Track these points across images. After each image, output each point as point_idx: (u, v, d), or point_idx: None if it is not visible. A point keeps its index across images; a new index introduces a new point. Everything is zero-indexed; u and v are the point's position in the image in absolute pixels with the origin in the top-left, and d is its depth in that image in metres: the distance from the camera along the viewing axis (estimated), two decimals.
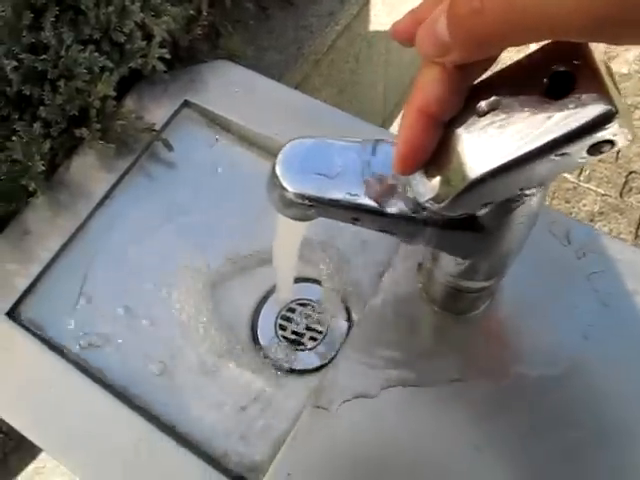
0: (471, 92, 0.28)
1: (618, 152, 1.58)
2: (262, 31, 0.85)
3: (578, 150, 0.26)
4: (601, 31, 0.21)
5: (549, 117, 0.25)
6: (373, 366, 0.50)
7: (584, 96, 0.25)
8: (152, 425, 0.51)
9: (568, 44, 0.25)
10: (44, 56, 0.60)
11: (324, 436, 0.48)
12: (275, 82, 0.68)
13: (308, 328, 0.56)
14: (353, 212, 0.35)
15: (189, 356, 0.55)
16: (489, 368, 0.50)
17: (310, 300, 0.57)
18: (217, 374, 0.55)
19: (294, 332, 0.56)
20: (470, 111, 0.28)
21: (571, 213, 1.53)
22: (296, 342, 0.56)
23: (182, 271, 0.59)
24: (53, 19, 0.61)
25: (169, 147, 0.64)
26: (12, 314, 0.58)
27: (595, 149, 0.26)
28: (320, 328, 0.56)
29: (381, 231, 0.36)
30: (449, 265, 0.42)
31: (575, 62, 0.25)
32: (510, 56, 0.28)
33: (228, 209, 0.62)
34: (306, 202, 0.34)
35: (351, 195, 0.34)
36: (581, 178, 1.57)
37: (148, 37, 0.65)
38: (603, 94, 0.24)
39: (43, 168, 0.58)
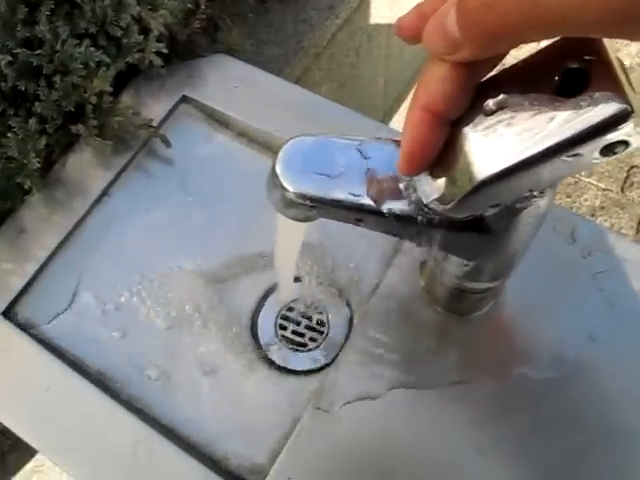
0: (478, 90, 0.27)
1: None
2: (261, 25, 0.84)
3: (591, 151, 0.25)
4: (618, 25, 0.20)
5: (561, 116, 0.24)
6: (374, 367, 0.49)
7: (598, 94, 0.24)
8: (151, 427, 0.50)
9: (581, 40, 0.24)
10: (39, 51, 0.59)
11: (325, 439, 0.48)
12: (275, 77, 0.67)
13: (309, 328, 0.55)
14: (356, 213, 0.34)
15: (188, 357, 0.55)
16: (492, 369, 0.49)
17: (312, 300, 0.56)
18: (216, 375, 0.54)
19: (294, 332, 0.55)
20: (477, 110, 0.27)
21: (572, 208, 1.52)
22: (297, 342, 0.55)
23: (181, 270, 0.58)
24: (48, 13, 0.60)
25: (167, 143, 0.63)
26: (8, 314, 0.57)
27: (608, 150, 0.25)
28: (321, 328, 0.55)
29: (385, 232, 0.35)
30: (453, 266, 0.41)
31: (588, 58, 0.24)
32: (517, 54, 0.27)
33: (227, 206, 0.61)
34: (307, 202, 0.33)
35: (354, 195, 0.33)
36: (582, 172, 1.56)
37: (145, 31, 0.64)
38: (618, 92, 0.23)
39: (39, 165, 0.57)
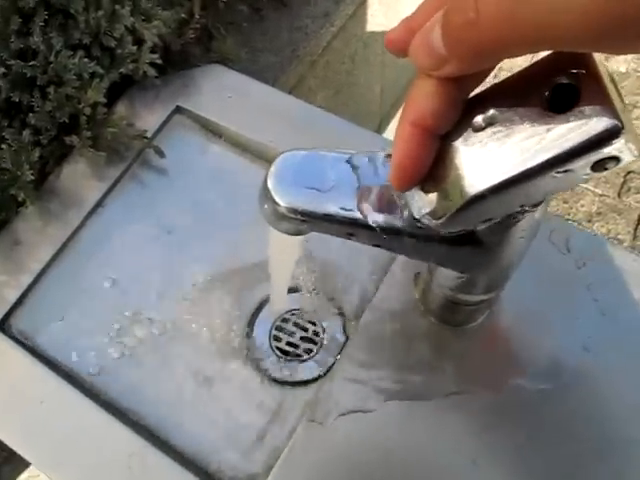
0: (468, 105, 0.27)
1: None
2: (256, 33, 0.84)
3: (582, 166, 0.25)
4: (598, 40, 0.20)
5: (551, 132, 0.24)
6: (369, 379, 0.49)
7: (588, 110, 0.23)
8: (145, 439, 0.50)
9: (570, 54, 0.24)
10: (33, 62, 0.59)
11: (320, 451, 0.47)
12: (269, 87, 0.67)
13: (303, 339, 0.55)
14: (347, 227, 0.33)
15: (182, 368, 0.54)
16: (487, 380, 0.49)
17: (305, 311, 0.56)
18: (211, 386, 0.54)
19: (289, 343, 0.55)
20: (468, 124, 0.27)
21: (569, 214, 1.52)
22: (291, 353, 0.55)
23: (175, 279, 0.58)
24: (42, 24, 0.60)
25: (161, 154, 0.63)
26: (2, 326, 0.57)
27: (599, 165, 0.25)
28: (315, 339, 0.55)
29: (377, 246, 0.35)
30: (447, 278, 0.41)
31: (578, 73, 0.24)
32: (511, 67, 0.26)
33: (221, 217, 0.61)
34: (298, 217, 0.33)
35: (345, 210, 0.33)
36: None
37: (139, 42, 0.63)
38: (608, 108, 0.23)
39: (32, 177, 0.57)
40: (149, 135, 0.63)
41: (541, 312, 0.50)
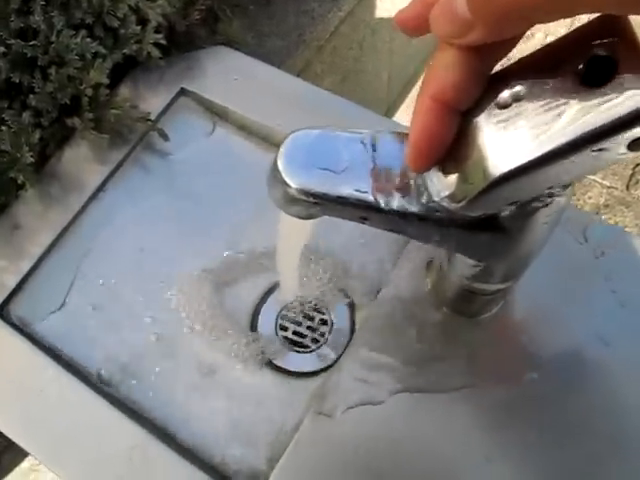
0: (492, 81, 0.26)
1: None
2: (262, 16, 0.83)
3: (617, 145, 0.23)
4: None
5: (586, 106, 0.23)
6: (378, 370, 0.48)
7: (628, 82, 0.22)
8: (147, 431, 0.49)
9: (605, 24, 0.23)
10: (34, 42, 0.57)
11: (327, 444, 0.46)
12: (275, 69, 0.65)
13: (310, 329, 0.54)
14: (361, 211, 0.32)
15: (186, 358, 0.53)
16: (501, 374, 0.47)
17: (313, 300, 0.54)
18: (215, 377, 0.52)
19: (296, 333, 0.54)
20: (491, 101, 0.26)
21: (576, 206, 1.50)
22: (298, 343, 0.53)
23: (178, 267, 0.56)
24: (43, 3, 0.58)
25: (165, 137, 0.62)
26: (1, 312, 0.55)
27: (636, 144, 0.23)
28: (323, 329, 0.53)
29: (391, 231, 0.33)
30: (463, 267, 0.39)
31: (614, 43, 0.22)
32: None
33: (226, 202, 0.59)
34: (310, 199, 0.32)
35: (359, 192, 0.31)
36: None
37: (143, 22, 0.62)
38: None
39: (32, 160, 0.56)
40: (153, 117, 0.62)
41: (557, 303, 0.48)
